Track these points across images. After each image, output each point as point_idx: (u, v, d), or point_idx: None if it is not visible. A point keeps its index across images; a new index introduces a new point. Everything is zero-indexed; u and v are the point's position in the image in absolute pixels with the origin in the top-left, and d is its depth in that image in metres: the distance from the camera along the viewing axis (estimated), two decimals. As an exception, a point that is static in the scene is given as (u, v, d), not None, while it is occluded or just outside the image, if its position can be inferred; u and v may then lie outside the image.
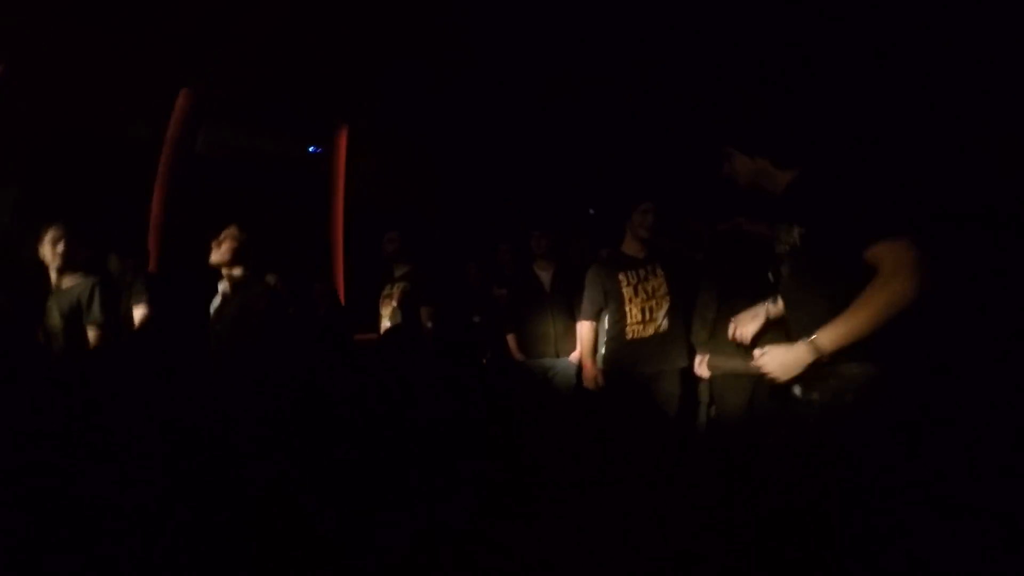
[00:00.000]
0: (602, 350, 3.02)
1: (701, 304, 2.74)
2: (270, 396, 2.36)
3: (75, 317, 2.34)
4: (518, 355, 3.46)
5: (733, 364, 2.40)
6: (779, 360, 1.44)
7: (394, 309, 3.16)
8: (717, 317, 2.55)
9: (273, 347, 2.40)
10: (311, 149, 4.27)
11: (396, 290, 3.20)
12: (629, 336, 2.84)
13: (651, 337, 2.85)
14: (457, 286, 3.88)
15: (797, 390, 1.47)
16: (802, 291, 1.55)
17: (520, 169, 4.74)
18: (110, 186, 3.39)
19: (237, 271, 2.46)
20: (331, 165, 4.32)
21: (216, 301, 2.60)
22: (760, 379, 1.76)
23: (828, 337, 1.35)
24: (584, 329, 2.99)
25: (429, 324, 3.13)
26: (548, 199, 4.55)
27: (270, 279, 3.09)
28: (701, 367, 2.65)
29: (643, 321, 2.85)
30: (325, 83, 4.08)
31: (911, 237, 1.32)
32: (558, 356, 3.33)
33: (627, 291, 2.85)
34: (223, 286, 2.54)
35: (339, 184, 4.30)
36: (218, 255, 2.45)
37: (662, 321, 2.85)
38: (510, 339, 3.51)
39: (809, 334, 1.39)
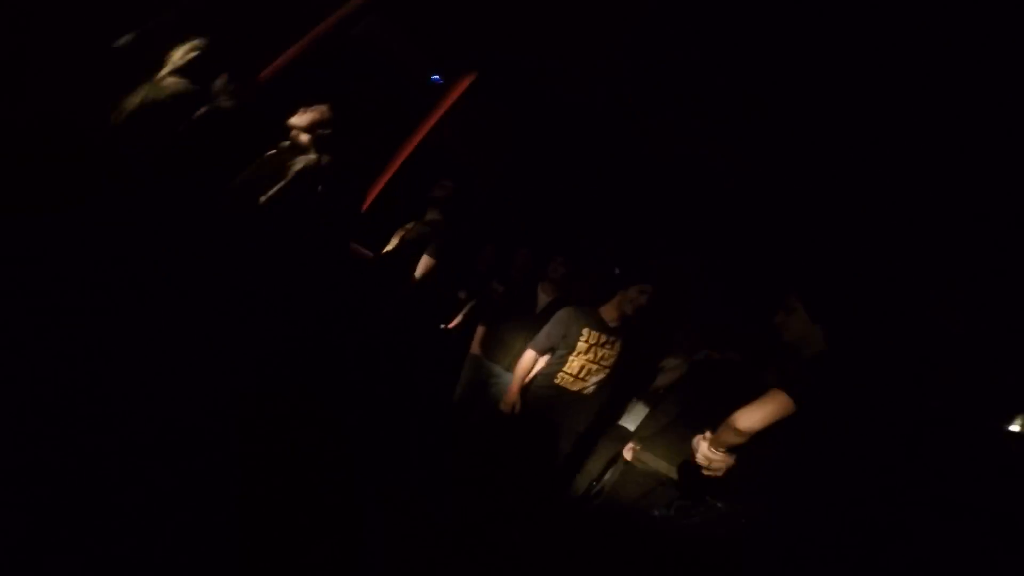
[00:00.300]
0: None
1: (663, 408, 2.96)
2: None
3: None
4: (476, 348, 3.62)
5: (657, 466, 2.68)
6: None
7: (403, 242, 3.44)
8: (670, 425, 2.81)
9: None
10: (434, 78, 4.57)
11: (415, 227, 3.46)
12: (556, 381, 3.11)
13: (573, 393, 3.11)
14: (465, 258, 4.09)
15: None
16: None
17: (590, 200, 4.92)
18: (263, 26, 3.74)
19: (304, 138, 2.71)
20: (440, 99, 4.63)
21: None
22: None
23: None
24: (528, 357, 3.19)
25: (419, 273, 3.35)
26: (594, 238, 4.74)
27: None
28: (628, 452, 2.86)
29: (576, 376, 3.10)
30: (485, 32, 4.34)
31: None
32: (507, 370, 3.47)
33: (582, 345, 3.09)
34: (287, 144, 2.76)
35: (436, 115, 4.60)
36: (299, 118, 2.73)
37: (590, 386, 3.10)
38: (479, 330, 3.69)
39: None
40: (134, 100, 2.37)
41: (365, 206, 4.02)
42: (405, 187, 4.30)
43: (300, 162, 2.67)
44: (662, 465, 2.65)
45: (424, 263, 3.37)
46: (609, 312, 3.18)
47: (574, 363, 3.09)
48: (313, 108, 2.78)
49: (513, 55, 4.52)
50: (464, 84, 4.67)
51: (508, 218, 4.73)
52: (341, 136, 2.88)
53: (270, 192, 2.59)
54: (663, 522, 2.53)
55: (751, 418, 1.86)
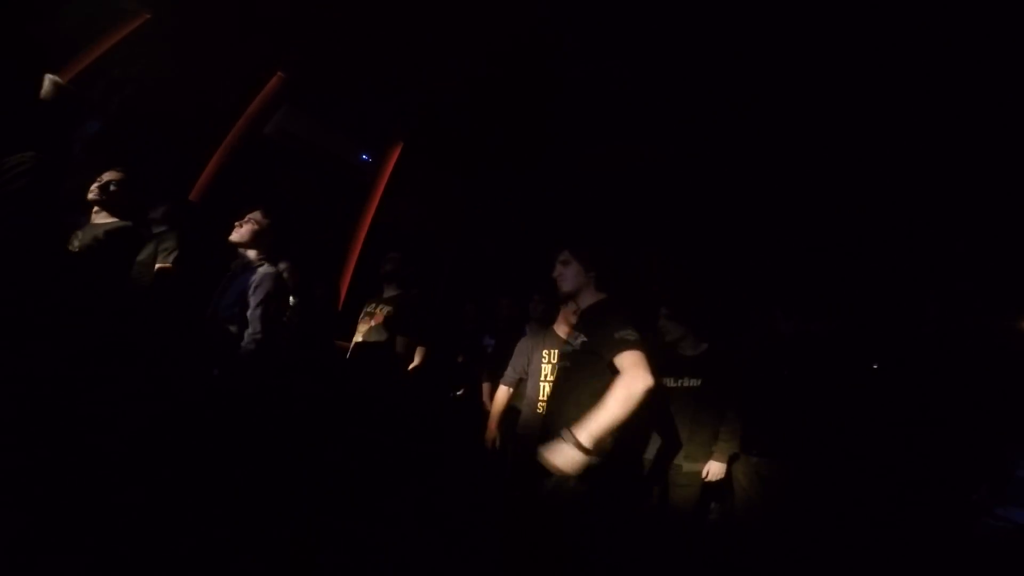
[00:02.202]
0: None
1: None
2: (248, 381, 2.43)
3: (90, 255, 2.32)
4: (488, 404, 3.44)
5: None
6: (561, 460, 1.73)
7: (371, 328, 3.23)
8: None
9: (264, 332, 2.45)
10: (363, 157, 4.52)
11: (378, 310, 3.27)
12: (539, 411, 2.86)
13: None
14: (450, 323, 3.96)
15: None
16: (570, 384, 1.97)
17: (545, 236, 4.83)
18: (180, 144, 3.74)
19: (251, 253, 2.58)
20: (376, 176, 4.56)
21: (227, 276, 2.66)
22: None
23: (586, 436, 1.70)
24: (500, 393, 3.07)
25: (401, 351, 3.19)
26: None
27: (281, 266, 3.25)
28: None
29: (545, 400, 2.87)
30: (395, 99, 4.36)
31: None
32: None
33: (546, 368, 2.89)
34: (234, 264, 2.64)
35: (377, 195, 4.52)
36: (238, 235, 2.57)
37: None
38: (485, 387, 3.58)
39: (572, 420, 1.75)
40: (72, 244, 2.33)
41: (340, 303, 3.86)
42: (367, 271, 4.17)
43: (262, 279, 2.52)
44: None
45: (401, 342, 3.21)
46: (562, 328, 2.98)
47: (545, 388, 2.86)
48: (245, 219, 2.63)
49: (431, 118, 4.53)
50: (394, 155, 4.63)
51: (477, 273, 4.59)
52: (285, 238, 2.78)
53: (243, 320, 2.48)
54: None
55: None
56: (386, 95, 4.37)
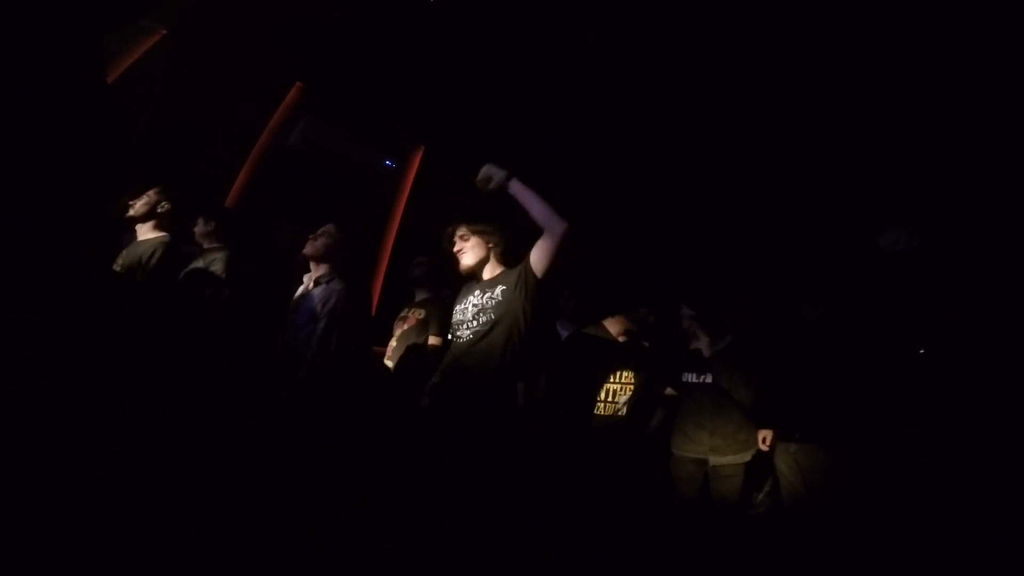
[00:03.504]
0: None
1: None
2: (332, 392, 2.48)
3: (132, 271, 2.41)
4: (523, 402, 3.44)
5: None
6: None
7: (405, 332, 3.29)
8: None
9: (341, 346, 2.51)
10: (387, 163, 4.57)
11: (411, 314, 3.32)
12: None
13: (607, 417, 2.96)
14: None
15: None
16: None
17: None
18: (208, 158, 3.81)
19: (324, 267, 2.64)
20: (400, 181, 4.62)
21: (298, 292, 2.74)
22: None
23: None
24: None
25: (433, 352, 3.18)
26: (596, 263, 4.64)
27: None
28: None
29: (605, 401, 2.95)
30: (416, 103, 4.40)
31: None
32: None
33: None
34: (307, 278, 2.71)
35: (402, 201, 4.57)
36: (311, 248, 2.63)
37: (621, 407, 2.93)
38: (519, 387, 3.57)
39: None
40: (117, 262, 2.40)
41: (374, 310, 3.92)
42: (396, 276, 4.23)
43: (338, 295, 2.58)
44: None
45: (432, 342, 3.22)
46: (614, 327, 3.02)
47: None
48: (320, 232, 2.68)
49: (452, 120, 4.56)
50: (416, 159, 4.69)
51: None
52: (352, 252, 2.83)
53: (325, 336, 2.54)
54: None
55: None
56: (405, 99, 4.42)
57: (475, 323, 2.07)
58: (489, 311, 2.05)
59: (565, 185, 5.08)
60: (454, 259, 2.23)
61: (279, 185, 4.12)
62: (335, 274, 2.66)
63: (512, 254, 2.19)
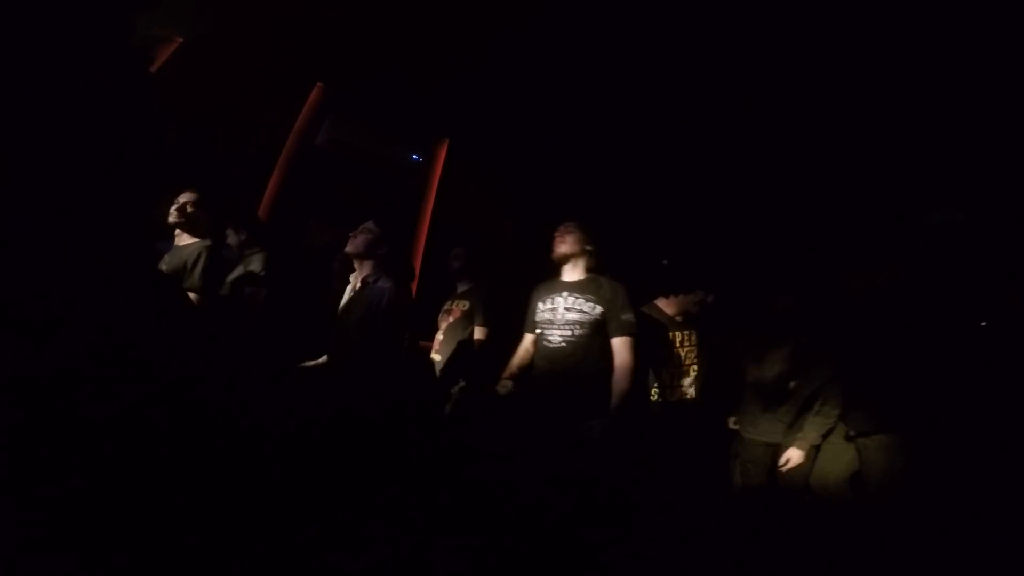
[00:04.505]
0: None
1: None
2: (381, 393, 2.44)
3: (179, 278, 2.38)
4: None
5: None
6: None
7: (450, 325, 3.25)
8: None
9: (394, 345, 2.49)
10: (413, 157, 4.54)
11: (455, 307, 3.29)
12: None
13: (674, 402, 2.97)
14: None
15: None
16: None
17: (605, 210, 4.78)
18: (236, 164, 3.80)
19: (368, 264, 2.60)
20: (428, 175, 4.58)
21: (347, 292, 2.71)
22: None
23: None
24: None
25: (479, 342, 3.16)
26: (626, 242, 4.57)
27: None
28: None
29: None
30: (437, 96, 4.36)
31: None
32: None
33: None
34: (354, 277, 2.67)
35: (431, 194, 4.54)
36: (352, 246, 2.59)
37: (688, 389, 2.91)
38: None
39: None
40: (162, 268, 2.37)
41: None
42: (433, 270, 4.20)
43: (383, 294, 2.53)
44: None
45: (480, 332, 3.18)
46: (671, 308, 2.96)
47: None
48: (360, 230, 2.64)
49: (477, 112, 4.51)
50: (442, 153, 4.64)
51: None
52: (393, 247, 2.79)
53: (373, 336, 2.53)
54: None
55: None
56: (426, 92, 4.37)
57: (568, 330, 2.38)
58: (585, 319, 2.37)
59: (593, 166, 5.06)
60: (551, 244, 2.48)
61: (311, 186, 4.10)
62: (381, 272, 2.61)
63: (595, 264, 2.47)
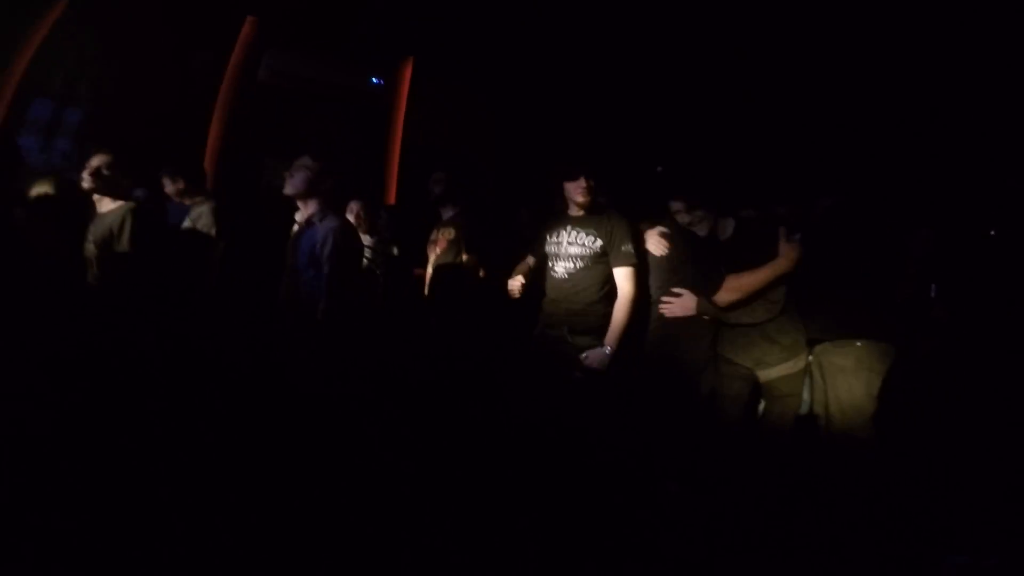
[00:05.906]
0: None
1: None
2: (338, 335, 2.31)
3: (107, 244, 2.30)
4: None
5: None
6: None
7: (439, 255, 3.04)
8: None
9: (344, 284, 2.31)
10: (373, 80, 4.14)
11: (441, 235, 3.07)
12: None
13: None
14: (506, 232, 3.68)
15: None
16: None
17: (584, 118, 4.44)
18: (173, 111, 3.42)
19: (312, 203, 2.37)
20: (392, 98, 4.20)
21: (293, 233, 2.49)
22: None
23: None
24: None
25: (469, 270, 2.97)
26: (613, 153, 4.25)
27: (354, 206, 3.23)
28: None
29: None
30: (394, 13, 3.92)
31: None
32: None
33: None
34: (299, 216, 2.45)
35: (399, 118, 4.19)
36: (291, 186, 2.36)
37: None
38: None
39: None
40: (89, 245, 2.33)
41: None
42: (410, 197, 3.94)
43: (330, 232, 2.34)
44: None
45: (471, 260, 2.98)
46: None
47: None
48: (295, 167, 2.39)
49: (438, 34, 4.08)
50: (407, 74, 4.22)
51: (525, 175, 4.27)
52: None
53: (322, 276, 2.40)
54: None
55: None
56: (379, 12, 3.92)
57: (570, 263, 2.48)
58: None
59: (570, 81, 4.67)
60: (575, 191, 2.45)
61: (260, 124, 3.73)
62: (327, 210, 2.37)
63: (601, 200, 2.51)
